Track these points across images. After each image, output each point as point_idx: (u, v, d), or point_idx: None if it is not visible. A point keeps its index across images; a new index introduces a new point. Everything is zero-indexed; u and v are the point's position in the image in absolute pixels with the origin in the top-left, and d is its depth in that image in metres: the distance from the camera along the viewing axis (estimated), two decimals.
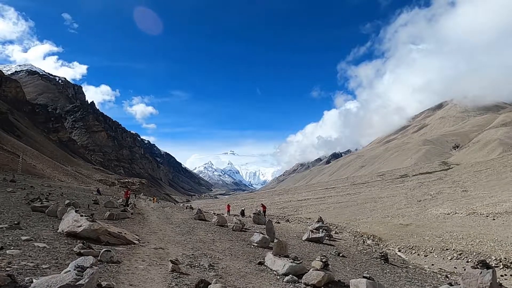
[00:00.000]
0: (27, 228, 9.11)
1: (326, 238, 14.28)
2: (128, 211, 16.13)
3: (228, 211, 33.48)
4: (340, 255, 11.14)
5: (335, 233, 19.10)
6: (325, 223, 17.35)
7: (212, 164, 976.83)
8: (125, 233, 9.88)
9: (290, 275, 6.69)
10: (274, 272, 7.35)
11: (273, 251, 8.00)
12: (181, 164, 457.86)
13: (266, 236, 11.05)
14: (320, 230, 14.85)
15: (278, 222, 24.73)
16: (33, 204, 13.77)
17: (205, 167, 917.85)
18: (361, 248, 14.04)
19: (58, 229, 9.24)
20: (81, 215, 9.30)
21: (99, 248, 8.00)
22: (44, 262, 5.94)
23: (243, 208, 35.90)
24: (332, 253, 11.40)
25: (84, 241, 7.74)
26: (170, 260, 6.52)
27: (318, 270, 6.52)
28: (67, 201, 16.69)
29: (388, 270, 9.80)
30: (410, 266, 12.15)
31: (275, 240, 7.99)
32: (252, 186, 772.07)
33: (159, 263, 7.24)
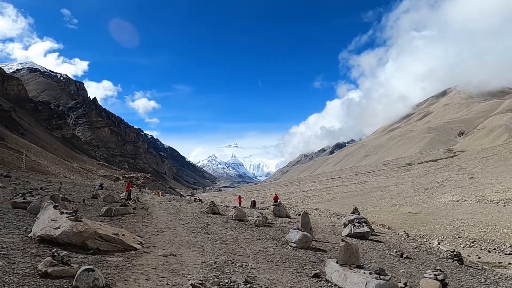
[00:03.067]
0: None
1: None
2: (129, 206, 13.65)
3: (240, 203, 31.11)
4: (404, 256, 8.57)
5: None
6: (361, 214, 14.77)
7: (216, 157, 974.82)
8: (123, 235, 7.39)
9: None
10: None
11: (338, 259, 5.44)
12: (185, 158, 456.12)
13: (307, 233, 8.50)
14: (361, 223, 12.29)
15: (299, 214, 22.25)
16: (14, 200, 11.32)
17: (209, 160, 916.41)
18: (415, 244, 11.47)
19: (30, 232, 6.78)
20: (61, 212, 6.79)
21: (82, 259, 5.49)
22: None
23: (253, 199, 33.51)
24: (392, 253, 8.83)
25: (60, 249, 5.22)
26: (192, 285, 3.97)
27: None
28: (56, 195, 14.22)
29: (483, 279, 7.22)
30: (485, 267, 9.59)
31: (342, 243, 5.41)
32: (256, 178, 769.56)
33: (172, 282, 4.72)
